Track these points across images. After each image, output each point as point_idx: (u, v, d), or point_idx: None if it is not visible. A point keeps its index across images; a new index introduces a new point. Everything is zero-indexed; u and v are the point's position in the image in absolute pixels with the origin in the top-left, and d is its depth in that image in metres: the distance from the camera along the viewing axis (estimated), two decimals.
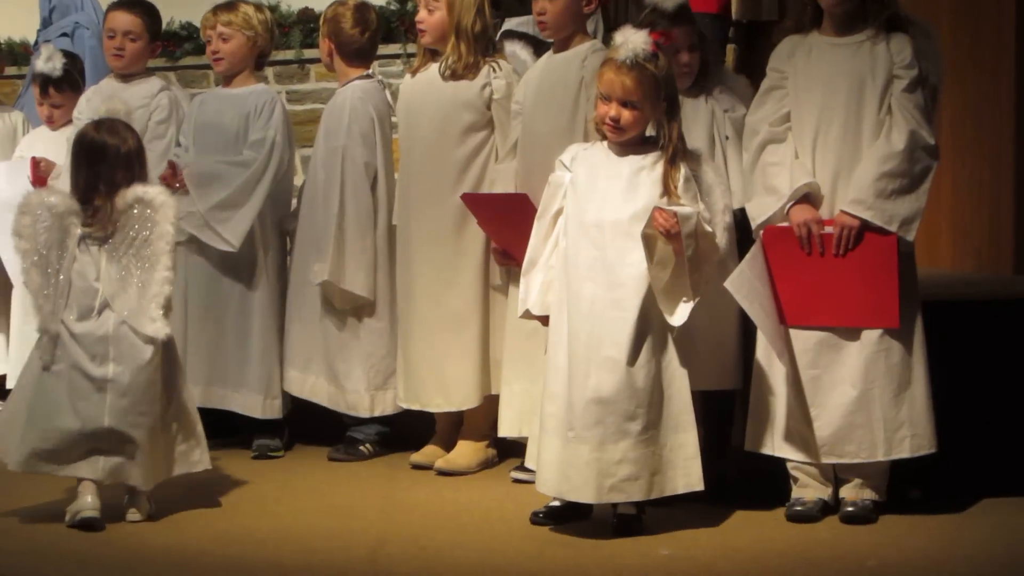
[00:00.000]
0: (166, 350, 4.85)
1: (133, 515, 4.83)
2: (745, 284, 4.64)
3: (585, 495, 4.55)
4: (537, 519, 4.72)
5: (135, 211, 4.77)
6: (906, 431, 4.65)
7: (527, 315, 4.75)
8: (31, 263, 4.76)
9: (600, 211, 4.55)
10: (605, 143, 4.61)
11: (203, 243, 5.94)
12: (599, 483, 4.50)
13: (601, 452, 4.49)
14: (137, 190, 4.81)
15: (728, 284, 4.58)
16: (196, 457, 5.00)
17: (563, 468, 4.57)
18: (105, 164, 4.80)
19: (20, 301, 6.47)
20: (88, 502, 4.75)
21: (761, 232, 4.78)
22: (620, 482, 4.51)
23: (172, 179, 5.89)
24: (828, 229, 4.66)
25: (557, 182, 4.67)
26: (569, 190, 4.64)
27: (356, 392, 5.86)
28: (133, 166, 4.85)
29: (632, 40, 4.40)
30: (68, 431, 4.72)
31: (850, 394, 4.66)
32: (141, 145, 4.97)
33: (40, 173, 6.40)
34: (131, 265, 4.78)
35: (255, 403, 5.99)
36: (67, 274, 4.76)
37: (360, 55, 5.99)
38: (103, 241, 4.78)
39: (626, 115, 4.48)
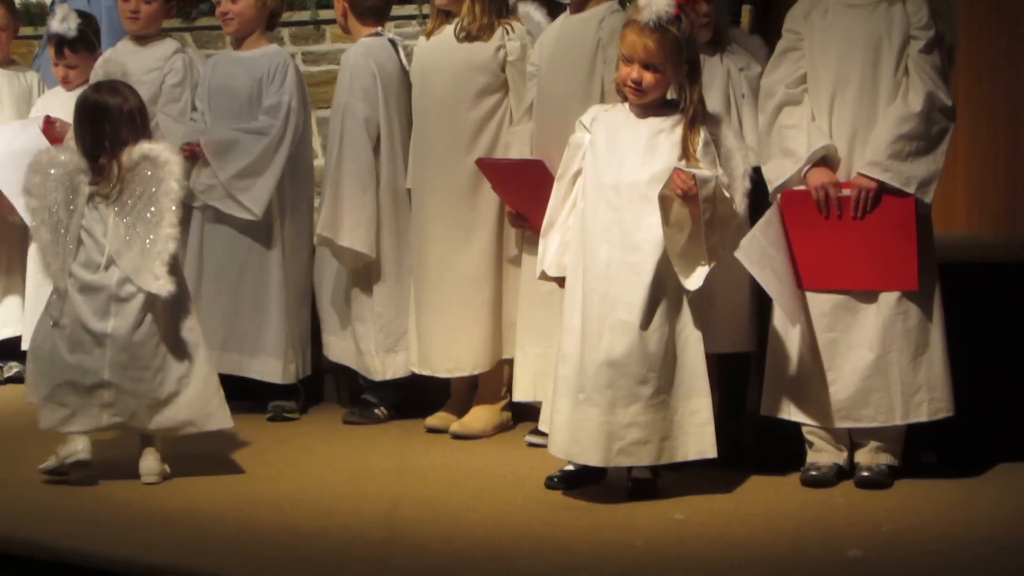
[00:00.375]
0: (173, 307, 4.88)
1: (149, 477, 4.86)
2: (757, 250, 4.63)
3: (593, 457, 4.57)
4: (551, 483, 4.76)
5: (141, 169, 4.80)
6: (924, 395, 4.66)
7: (543, 276, 4.76)
8: (41, 221, 4.83)
9: (618, 173, 4.55)
10: (626, 105, 4.60)
11: (220, 210, 5.97)
12: (608, 446, 4.52)
13: (611, 415, 4.51)
14: (143, 147, 4.84)
15: (738, 251, 4.58)
16: (213, 414, 5.00)
17: (573, 430, 4.60)
18: (109, 123, 4.84)
19: (35, 262, 6.48)
20: (80, 447, 4.84)
21: (778, 195, 4.77)
22: (629, 445, 4.54)
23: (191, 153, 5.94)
24: (845, 192, 4.66)
25: (577, 143, 4.66)
26: (588, 151, 4.63)
27: (368, 354, 5.88)
28: (136, 124, 4.89)
29: (656, 2, 4.37)
30: (72, 384, 4.78)
31: (867, 358, 4.66)
32: (143, 104, 5.01)
33: (55, 133, 6.43)
34: (137, 222, 4.81)
35: (274, 368, 6.01)
36: (75, 231, 4.81)
37: (373, 13, 5.97)
38: (110, 199, 4.80)
39: (648, 77, 4.47)
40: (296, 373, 6.09)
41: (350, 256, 5.83)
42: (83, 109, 4.88)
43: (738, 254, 4.56)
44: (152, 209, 4.79)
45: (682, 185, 4.34)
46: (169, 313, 4.88)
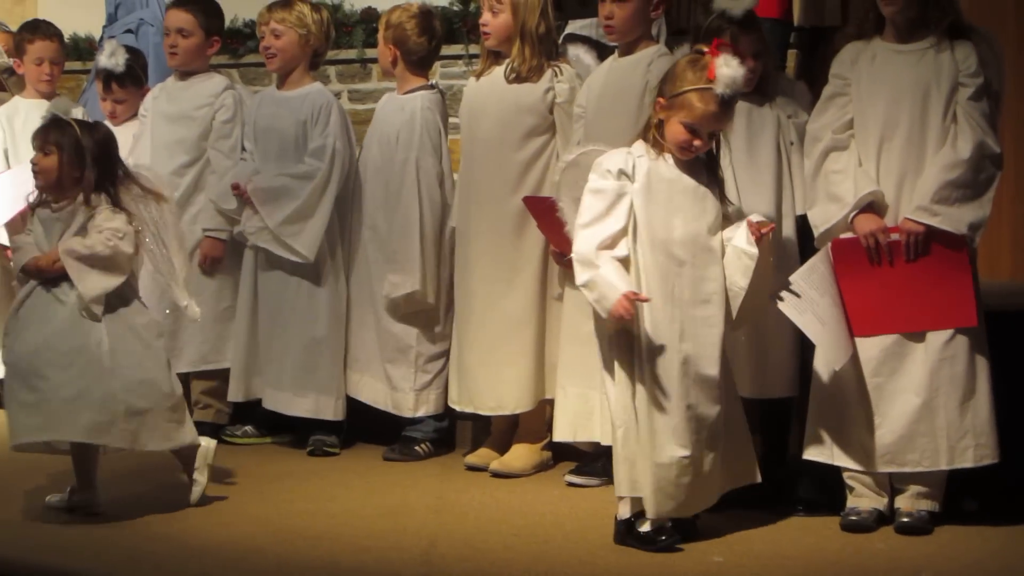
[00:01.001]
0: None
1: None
2: (797, 295, 4.64)
3: (701, 506, 4.61)
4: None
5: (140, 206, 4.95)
6: (970, 440, 4.64)
7: (626, 303, 4.40)
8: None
9: (676, 226, 4.49)
10: (668, 156, 4.52)
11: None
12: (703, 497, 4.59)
13: (701, 466, 4.53)
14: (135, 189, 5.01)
15: (778, 298, 4.62)
16: (185, 433, 5.05)
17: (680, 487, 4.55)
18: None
19: None
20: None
21: (828, 241, 4.78)
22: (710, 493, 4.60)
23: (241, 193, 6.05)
24: (894, 236, 4.66)
25: (618, 191, 4.48)
26: (638, 203, 4.50)
27: (402, 391, 5.89)
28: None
29: (736, 77, 4.34)
30: (90, 403, 4.79)
31: (914, 402, 4.65)
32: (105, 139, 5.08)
33: None
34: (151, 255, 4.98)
35: (325, 405, 6.03)
36: None
37: (424, 63, 6.04)
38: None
39: (706, 142, 4.48)
40: (343, 410, 6.09)
41: (416, 304, 5.87)
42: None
43: (778, 301, 4.60)
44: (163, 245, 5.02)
45: (766, 230, 4.39)
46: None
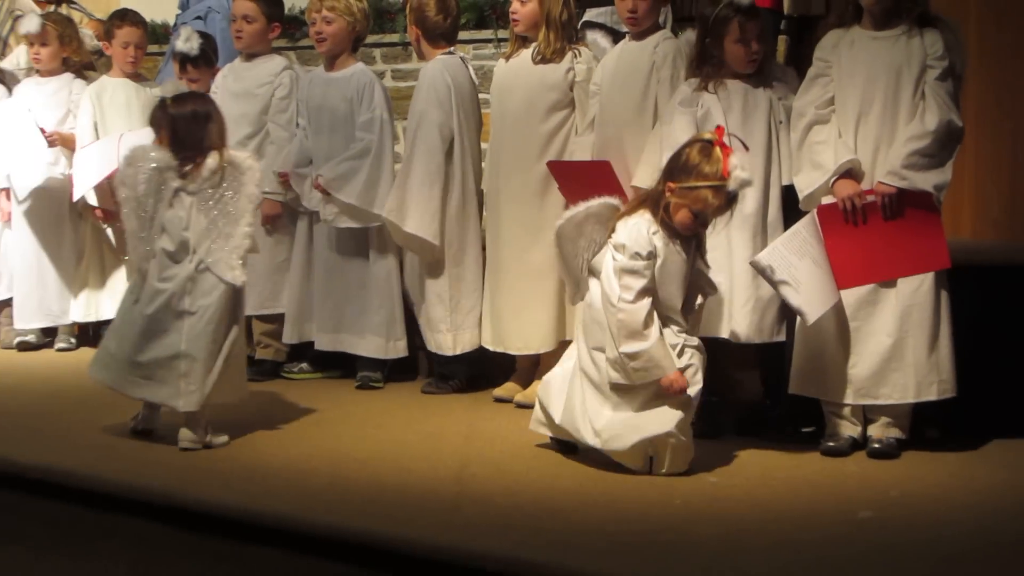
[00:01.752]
0: (235, 294, 4.95)
1: (185, 443, 4.88)
2: (775, 260, 4.68)
3: None
4: None
5: (226, 172, 4.88)
6: (934, 376, 4.68)
7: (683, 381, 4.46)
8: (130, 208, 4.89)
9: (680, 295, 4.60)
10: (662, 230, 4.50)
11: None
12: None
13: None
14: (228, 154, 4.94)
15: (756, 261, 4.69)
16: (239, 387, 5.11)
17: None
18: (203, 128, 4.92)
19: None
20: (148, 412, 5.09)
21: (812, 205, 4.82)
22: None
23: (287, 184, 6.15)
24: (870, 198, 4.69)
25: (650, 268, 4.46)
26: (658, 277, 4.50)
27: (440, 332, 5.89)
28: (223, 132, 5.01)
29: (745, 173, 4.40)
30: (149, 356, 4.87)
31: (886, 343, 4.69)
32: (220, 114, 5.07)
33: None
34: (217, 218, 4.88)
35: (378, 346, 6.05)
36: (160, 220, 4.87)
37: (444, 37, 5.99)
38: (194, 194, 4.87)
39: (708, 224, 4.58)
40: (403, 348, 6.12)
41: (417, 243, 5.85)
42: (181, 114, 4.92)
43: (754, 263, 4.68)
44: (232, 208, 4.88)
45: None
46: (233, 298, 4.96)
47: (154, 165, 4.84)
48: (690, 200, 4.38)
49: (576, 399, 4.60)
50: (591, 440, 4.54)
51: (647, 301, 4.39)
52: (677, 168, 4.45)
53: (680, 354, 4.46)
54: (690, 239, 4.55)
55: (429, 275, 5.94)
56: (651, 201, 4.48)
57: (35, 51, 7.08)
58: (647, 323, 4.38)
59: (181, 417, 4.86)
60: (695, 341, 4.57)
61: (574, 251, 4.64)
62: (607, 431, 4.49)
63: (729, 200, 4.40)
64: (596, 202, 4.60)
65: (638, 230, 4.41)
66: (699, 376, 4.51)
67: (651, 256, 4.41)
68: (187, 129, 4.89)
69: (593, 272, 4.60)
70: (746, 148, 4.84)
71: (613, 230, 4.51)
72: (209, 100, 5.16)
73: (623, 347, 4.37)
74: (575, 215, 4.60)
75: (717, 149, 4.38)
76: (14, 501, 4.63)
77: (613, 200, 4.62)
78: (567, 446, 4.77)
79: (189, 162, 4.87)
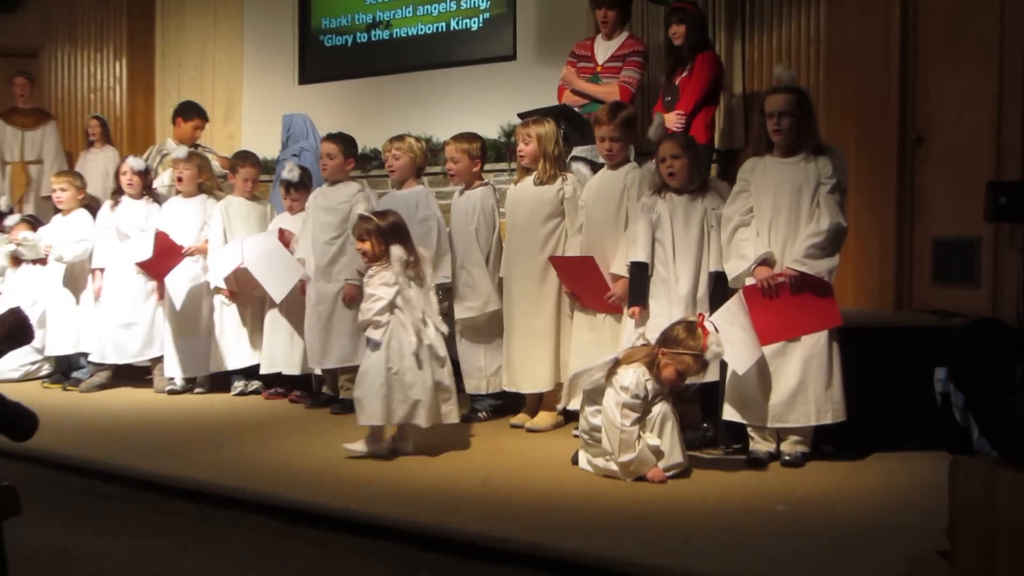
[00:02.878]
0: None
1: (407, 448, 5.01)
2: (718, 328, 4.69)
3: None
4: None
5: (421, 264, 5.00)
6: (829, 406, 4.67)
7: (662, 474, 4.53)
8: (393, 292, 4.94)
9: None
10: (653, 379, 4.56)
11: None
12: None
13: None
14: (420, 250, 5.05)
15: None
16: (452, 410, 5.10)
17: None
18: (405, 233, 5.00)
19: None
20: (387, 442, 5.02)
21: (738, 285, 4.82)
22: None
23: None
24: (781, 279, 4.69)
25: (644, 406, 4.53)
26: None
27: (478, 379, 5.85)
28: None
29: (719, 348, 4.49)
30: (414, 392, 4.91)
31: (793, 382, 4.69)
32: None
33: (286, 239, 6.54)
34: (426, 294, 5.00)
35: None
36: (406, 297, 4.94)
37: (479, 174, 6.03)
38: (418, 280, 4.98)
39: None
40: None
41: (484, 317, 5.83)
42: (392, 224, 4.98)
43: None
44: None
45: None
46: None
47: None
48: (676, 362, 4.46)
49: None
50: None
51: (637, 427, 4.44)
52: (669, 339, 4.51)
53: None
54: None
55: (476, 339, 5.89)
56: (647, 358, 4.52)
57: (179, 174, 7.07)
58: (636, 441, 4.44)
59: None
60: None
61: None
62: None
63: (704, 365, 4.50)
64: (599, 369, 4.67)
65: (637, 378, 4.45)
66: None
67: (645, 397, 4.47)
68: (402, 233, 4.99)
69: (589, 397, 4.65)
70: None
71: (614, 373, 4.54)
72: (396, 213, 5.17)
73: (621, 457, 4.44)
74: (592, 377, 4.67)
75: (699, 329, 4.46)
76: (152, 499, 4.62)
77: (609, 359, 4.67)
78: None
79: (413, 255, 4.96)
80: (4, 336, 2.86)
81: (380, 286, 4.92)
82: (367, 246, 4.94)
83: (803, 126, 4.79)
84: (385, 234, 4.92)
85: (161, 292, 6.99)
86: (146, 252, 6.78)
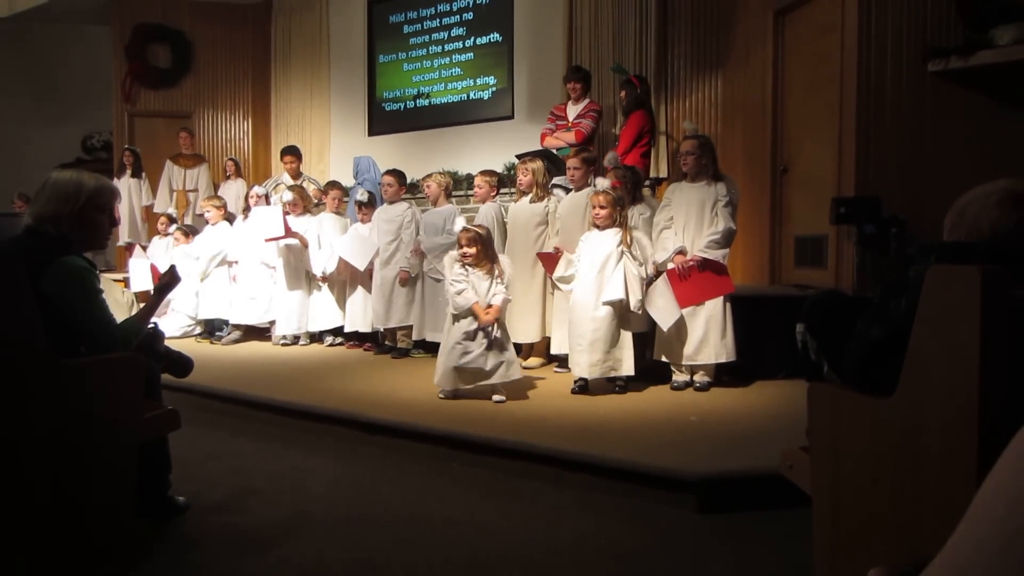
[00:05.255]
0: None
1: (500, 398, 4.49)
2: (652, 302, 4.68)
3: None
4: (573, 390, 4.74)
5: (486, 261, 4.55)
6: (724, 350, 4.65)
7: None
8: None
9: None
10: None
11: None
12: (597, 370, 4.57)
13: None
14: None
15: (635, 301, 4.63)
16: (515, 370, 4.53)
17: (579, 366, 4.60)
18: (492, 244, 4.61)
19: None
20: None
21: (663, 270, 4.77)
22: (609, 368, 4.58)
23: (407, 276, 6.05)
24: (691, 263, 4.66)
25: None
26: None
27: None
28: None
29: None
30: (471, 361, 4.44)
31: (699, 333, 4.65)
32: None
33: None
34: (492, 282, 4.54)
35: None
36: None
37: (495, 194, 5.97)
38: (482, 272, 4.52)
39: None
40: None
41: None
42: (484, 236, 4.53)
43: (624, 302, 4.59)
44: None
45: None
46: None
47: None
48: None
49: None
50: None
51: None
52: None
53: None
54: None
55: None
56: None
57: (293, 203, 7.03)
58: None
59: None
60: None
61: None
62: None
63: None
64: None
65: None
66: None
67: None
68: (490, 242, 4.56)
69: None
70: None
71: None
72: (484, 226, 4.71)
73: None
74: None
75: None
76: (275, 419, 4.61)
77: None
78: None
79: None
80: (167, 282, 2.90)
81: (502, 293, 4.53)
82: (475, 249, 4.46)
83: (704, 161, 4.76)
84: (485, 241, 4.54)
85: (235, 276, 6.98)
86: (278, 231, 6.76)
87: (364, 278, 6.52)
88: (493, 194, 5.89)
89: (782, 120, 6.13)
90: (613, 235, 4.62)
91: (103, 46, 10.36)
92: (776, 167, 6.16)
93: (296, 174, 8.03)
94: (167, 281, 2.91)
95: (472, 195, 6.49)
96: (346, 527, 2.95)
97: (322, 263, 6.77)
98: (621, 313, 4.61)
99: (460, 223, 4.71)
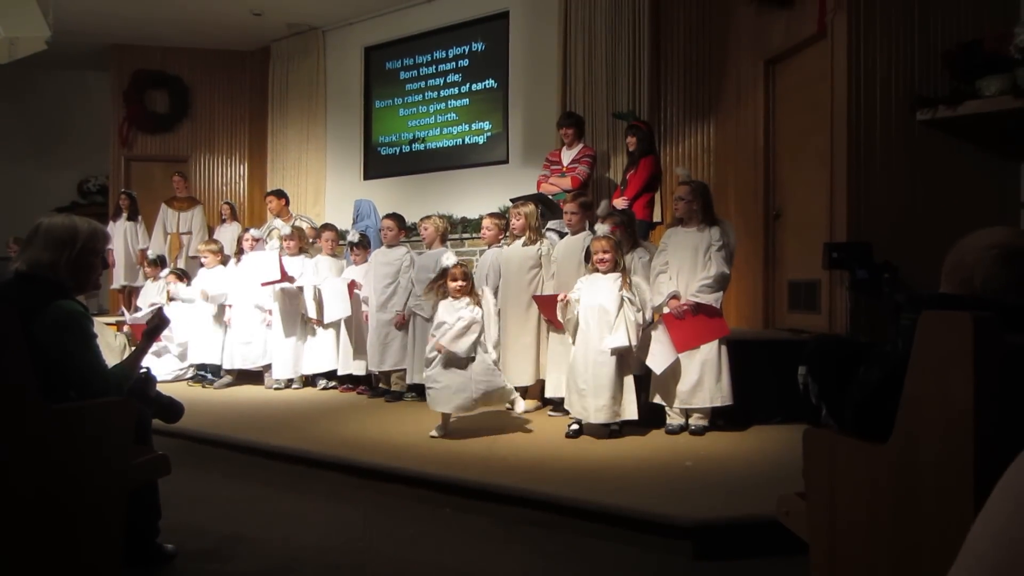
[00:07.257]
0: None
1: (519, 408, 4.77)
2: (648, 348, 4.69)
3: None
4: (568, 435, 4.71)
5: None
6: (718, 393, 4.64)
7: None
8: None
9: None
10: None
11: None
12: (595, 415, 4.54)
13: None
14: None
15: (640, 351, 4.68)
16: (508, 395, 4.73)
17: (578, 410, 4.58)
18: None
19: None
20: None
21: (659, 313, 4.79)
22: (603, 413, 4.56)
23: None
24: (685, 307, 4.67)
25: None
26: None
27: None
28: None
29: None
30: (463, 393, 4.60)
31: (694, 377, 4.66)
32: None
33: (354, 285, 6.50)
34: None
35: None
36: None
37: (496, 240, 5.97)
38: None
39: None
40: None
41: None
42: (467, 273, 4.77)
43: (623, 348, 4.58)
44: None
45: None
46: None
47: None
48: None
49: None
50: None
51: None
52: None
53: None
54: None
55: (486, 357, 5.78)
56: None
57: (287, 244, 7.05)
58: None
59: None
60: None
61: None
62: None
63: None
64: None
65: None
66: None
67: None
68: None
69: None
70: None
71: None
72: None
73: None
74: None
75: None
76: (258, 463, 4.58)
77: None
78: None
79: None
80: (156, 325, 2.87)
81: (468, 313, 4.68)
82: (468, 283, 4.74)
83: (695, 207, 4.80)
84: (470, 277, 4.80)
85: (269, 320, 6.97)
86: (274, 275, 6.74)
87: (359, 321, 6.52)
88: (500, 237, 5.93)
89: (774, 166, 6.20)
90: (614, 280, 4.64)
91: (102, 92, 10.49)
92: (769, 212, 6.21)
93: (280, 214, 8.06)
94: (156, 324, 2.90)
95: (467, 238, 6.50)
96: (336, 575, 2.90)
97: (311, 310, 6.74)
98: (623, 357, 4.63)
99: (453, 258, 4.83)
